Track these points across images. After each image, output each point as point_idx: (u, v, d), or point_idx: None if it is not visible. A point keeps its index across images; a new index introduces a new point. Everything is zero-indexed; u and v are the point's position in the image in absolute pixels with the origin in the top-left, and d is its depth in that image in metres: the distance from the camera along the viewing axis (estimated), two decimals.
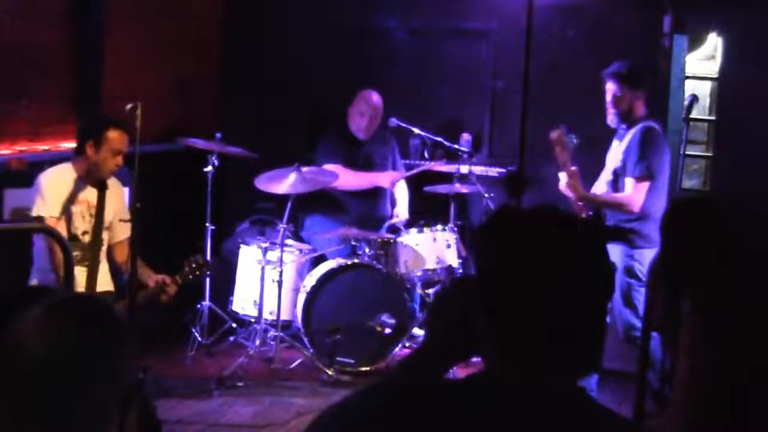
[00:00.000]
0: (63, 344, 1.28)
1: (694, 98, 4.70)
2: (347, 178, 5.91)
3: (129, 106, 4.07)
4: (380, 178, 6.01)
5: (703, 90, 6.41)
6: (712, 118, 6.38)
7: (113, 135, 4.20)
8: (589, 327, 1.45)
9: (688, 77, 6.29)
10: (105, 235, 4.40)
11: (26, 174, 5.00)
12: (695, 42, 6.38)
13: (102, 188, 4.29)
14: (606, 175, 5.00)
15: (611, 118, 5.01)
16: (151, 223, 4.39)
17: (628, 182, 4.80)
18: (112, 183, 4.45)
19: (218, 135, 5.62)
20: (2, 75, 5.19)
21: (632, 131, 4.91)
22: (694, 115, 4.76)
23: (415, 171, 6.15)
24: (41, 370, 1.26)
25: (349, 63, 6.86)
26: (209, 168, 5.54)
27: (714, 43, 6.29)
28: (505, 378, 1.44)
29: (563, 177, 4.89)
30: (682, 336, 2.15)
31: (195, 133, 5.69)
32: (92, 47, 5.75)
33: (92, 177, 4.32)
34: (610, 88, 4.98)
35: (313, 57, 6.92)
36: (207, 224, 5.57)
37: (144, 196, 4.12)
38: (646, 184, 4.75)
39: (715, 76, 6.28)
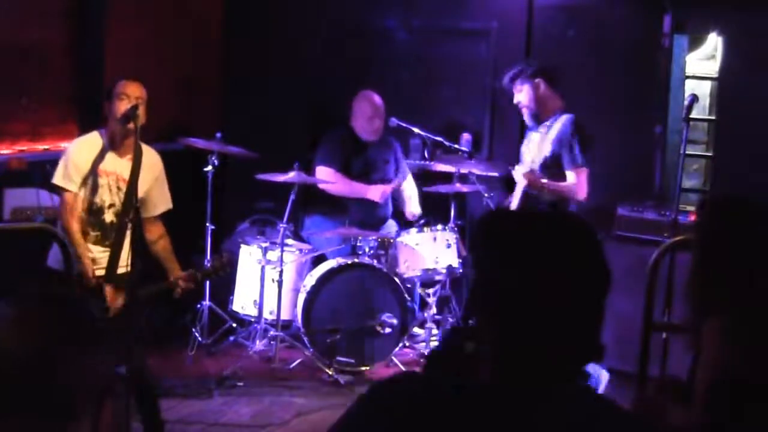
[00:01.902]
0: (36, 343, 1.28)
1: (694, 98, 4.70)
2: (338, 186, 5.93)
3: (129, 105, 4.07)
4: (370, 191, 5.97)
5: (703, 90, 6.41)
6: (712, 117, 6.38)
7: (118, 84, 4.16)
8: (587, 320, 1.45)
9: (688, 77, 6.29)
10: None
11: (26, 174, 5.00)
12: (695, 42, 6.38)
13: (137, 161, 4.11)
14: (532, 166, 5.18)
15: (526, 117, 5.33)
16: None
17: (573, 172, 5.06)
18: (151, 159, 4.30)
19: (218, 135, 5.62)
20: (2, 75, 5.19)
21: (560, 122, 5.16)
22: (694, 114, 4.76)
23: (394, 184, 6.14)
24: (15, 369, 1.26)
25: (349, 63, 6.86)
26: (209, 168, 5.54)
27: (714, 43, 6.29)
28: (506, 379, 1.44)
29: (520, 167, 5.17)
30: (708, 335, 2.14)
31: (195, 133, 5.69)
32: (92, 47, 5.75)
33: (116, 142, 4.20)
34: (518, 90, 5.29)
35: (313, 57, 6.92)
36: (207, 224, 5.57)
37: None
38: (586, 172, 5.08)
39: (715, 75, 6.27)
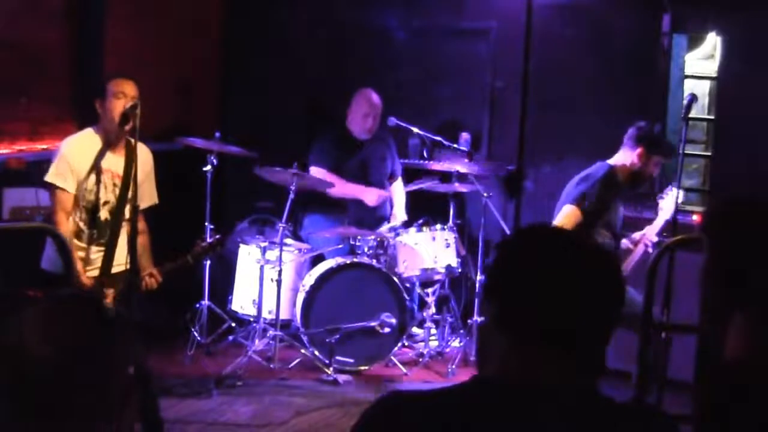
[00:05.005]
0: (62, 344, 1.29)
1: (693, 97, 4.70)
2: (334, 188, 5.86)
3: (129, 105, 4.06)
4: (366, 194, 5.93)
5: (702, 89, 6.42)
6: (711, 117, 6.38)
7: (112, 81, 4.13)
8: (594, 333, 1.50)
9: (687, 77, 6.29)
10: (127, 208, 4.30)
11: (25, 173, 5.01)
12: (695, 41, 6.38)
13: (129, 156, 4.12)
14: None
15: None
16: (151, 223, 4.40)
17: None
18: (143, 155, 4.28)
19: (217, 134, 5.62)
20: (2, 75, 5.20)
21: None
22: (693, 114, 4.76)
23: (412, 188, 6.16)
24: (41, 371, 1.27)
25: (349, 63, 6.86)
26: (208, 167, 5.54)
27: (713, 42, 6.29)
28: (512, 378, 1.46)
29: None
30: (731, 336, 2.14)
31: (194, 133, 5.69)
32: (92, 47, 5.76)
33: (112, 140, 4.18)
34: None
35: (313, 57, 6.92)
36: (206, 224, 5.57)
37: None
38: None
39: (714, 75, 6.28)
